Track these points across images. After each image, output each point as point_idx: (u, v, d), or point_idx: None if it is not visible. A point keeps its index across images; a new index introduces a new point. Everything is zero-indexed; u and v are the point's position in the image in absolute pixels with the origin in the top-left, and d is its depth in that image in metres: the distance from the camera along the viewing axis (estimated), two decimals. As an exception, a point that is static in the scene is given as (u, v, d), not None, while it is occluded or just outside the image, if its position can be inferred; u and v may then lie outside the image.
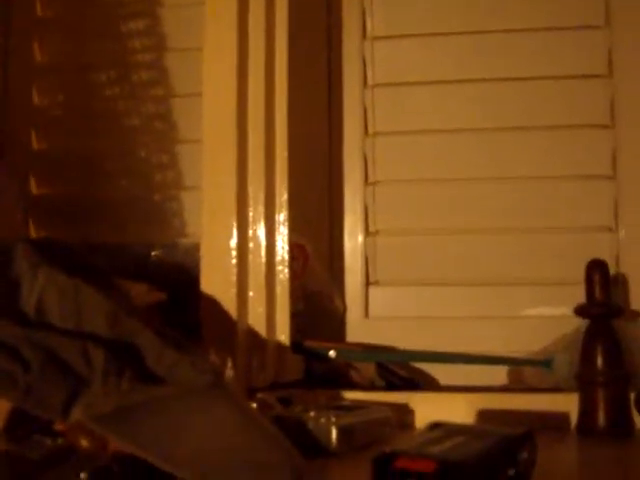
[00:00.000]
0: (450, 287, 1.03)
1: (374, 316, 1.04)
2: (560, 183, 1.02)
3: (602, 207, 1.01)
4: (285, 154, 0.89)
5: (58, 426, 0.58)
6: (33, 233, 1.10)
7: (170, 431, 0.54)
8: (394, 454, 0.51)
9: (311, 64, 1.07)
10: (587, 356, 0.78)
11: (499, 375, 0.96)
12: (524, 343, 0.96)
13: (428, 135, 1.05)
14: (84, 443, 0.58)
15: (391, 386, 0.92)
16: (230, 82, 0.88)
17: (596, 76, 1.02)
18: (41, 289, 0.59)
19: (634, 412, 0.77)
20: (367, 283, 1.04)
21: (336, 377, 0.90)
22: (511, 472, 0.54)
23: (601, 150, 1.01)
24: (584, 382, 0.78)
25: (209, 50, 0.89)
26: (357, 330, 1.03)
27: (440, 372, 0.99)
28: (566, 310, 0.88)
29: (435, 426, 0.60)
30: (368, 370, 0.92)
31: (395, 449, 0.51)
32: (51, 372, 0.55)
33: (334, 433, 0.67)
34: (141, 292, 0.82)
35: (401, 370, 0.94)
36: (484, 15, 1.05)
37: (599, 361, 0.76)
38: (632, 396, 0.77)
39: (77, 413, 0.55)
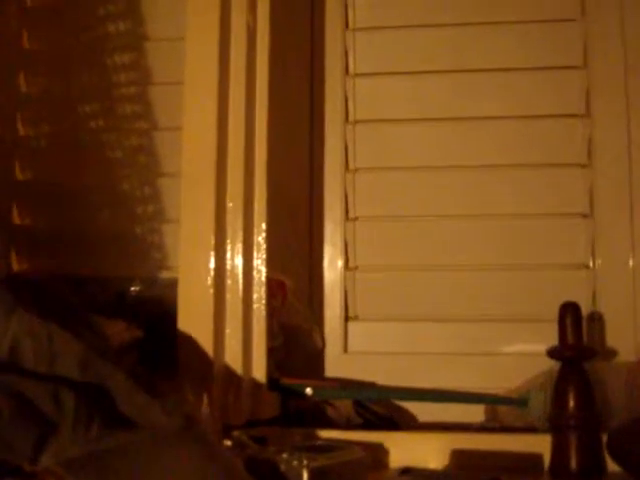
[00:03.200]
0: (429, 323, 1.03)
1: (353, 351, 1.05)
2: (538, 221, 1.03)
3: (579, 245, 1.02)
4: (264, 189, 0.89)
5: (28, 468, 0.59)
6: (14, 264, 1.10)
7: (137, 476, 0.55)
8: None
9: (293, 100, 1.08)
10: (559, 398, 0.78)
11: (476, 412, 0.96)
12: (501, 380, 0.96)
13: (408, 172, 1.06)
14: (54, 486, 0.58)
15: (368, 423, 0.92)
16: (210, 116, 0.88)
17: (573, 116, 1.04)
18: (14, 334, 0.59)
19: (606, 455, 0.77)
20: (346, 318, 1.05)
21: (313, 414, 0.90)
22: (477, 520, 0.55)
23: (578, 188, 1.03)
24: (556, 424, 0.78)
25: (189, 84, 0.89)
26: (336, 365, 1.04)
27: (418, 409, 0.99)
28: (543, 348, 0.89)
29: (405, 471, 0.60)
30: (345, 407, 0.92)
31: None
32: (21, 417, 0.55)
33: (305, 476, 0.67)
34: (118, 331, 0.82)
35: (379, 408, 0.94)
36: (465, 53, 1.07)
37: (571, 404, 0.77)
38: (604, 438, 0.78)
39: (46, 459, 0.55)
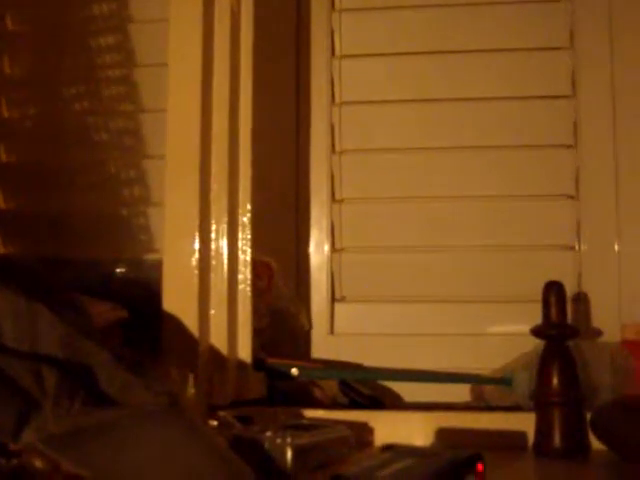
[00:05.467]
0: (415, 304, 1.04)
1: (339, 332, 1.05)
2: (523, 202, 1.03)
3: (564, 226, 1.02)
4: (249, 171, 0.89)
5: (13, 446, 0.59)
6: (0, 247, 1.10)
7: (120, 453, 0.55)
8: (339, 478, 0.51)
9: (278, 81, 1.08)
10: (543, 377, 0.78)
11: (461, 391, 0.97)
12: (486, 360, 0.97)
13: (394, 153, 1.06)
14: (38, 464, 0.58)
15: (354, 404, 0.92)
16: (194, 98, 0.87)
17: (559, 97, 1.04)
18: (-4, 311, 0.59)
19: (590, 432, 0.78)
20: (333, 300, 1.05)
21: (299, 395, 0.90)
22: (458, 495, 0.55)
23: (564, 169, 1.03)
24: (540, 402, 0.79)
25: (173, 66, 0.89)
26: (322, 346, 1.04)
27: (403, 389, 1.00)
28: (528, 328, 0.89)
29: (387, 448, 0.60)
30: (331, 388, 0.92)
31: (342, 473, 0.52)
32: (2, 394, 0.55)
33: (289, 454, 0.67)
34: (103, 310, 0.82)
35: (364, 387, 0.95)
36: (451, 36, 1.06)
37: (554, 382, 0.77)
38: (588, 416, 0.78)
39: (28, 435, 0.55)
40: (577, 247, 1.02)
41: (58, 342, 0.60)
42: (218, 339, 0.85)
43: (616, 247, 1.00)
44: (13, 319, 0.60)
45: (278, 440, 0.68)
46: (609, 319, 0.99)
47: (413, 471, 0.54)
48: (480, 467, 0.57)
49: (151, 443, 0.56)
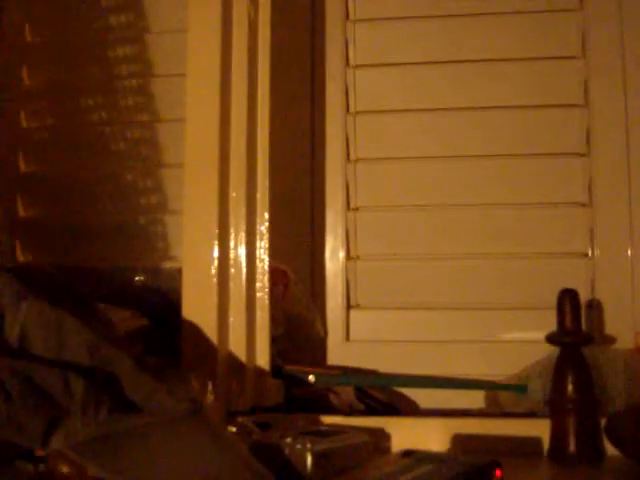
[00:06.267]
0: (429, 311, 1.04)
1: (355, 339, 1.06)
2: (537, 210, 1.04)
3: (578, 233, 1.03)
4: (267, 180, 0.90)
5: (39, 452, 0.60)
6: (19, 256, 1.11)
7: (146, 459, 0.56)
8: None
9: (294, 91, 1.09)
10: (558, 383, 0.79)
11: (477, 398, 0.98)
12: (501, 367, 0.97)
13: (409, 162, 1.07)
14: (64, 470, 0.59)
15: (370, 410, 0.93)
16: (212, 108, 0.89)
17: (572, 105, 1.05)
18: (24, 320, 0.61)
19: (604, 438, 0.79)
20: (348, 307, 1.06)
21: (316, 401, 0.91)
22: (477, 500, 0.56)
23: (577, 177, 1.04)
24: (555, 409, 0.79)
25: (192, 76, 0.90)
26: (338, 353, 1.05)
27: (419, 395, 1.01)
28: (542, 335, 0.90)
29: (406, 454, 0.61)
30: (347, 394, 0.93)
31: (362, 479, 0.53)
32: (32, 401, 0.57)
33: (309, 459, 0.68)
34: (124, 318, 0.83)
35: (380, 394, 0.95)
36: (464, 45, 1.07)
37: (569, 388, 0.78)
38: (603, 422, 0.79)
39: (56, 442, 0.56)
40: (590, 254, 1.02)
41: (84, 350, 0.61)
42: (237, 346, 0.86)
43: (629, 253, 1.01)
44: (40, 327, 0.61)
45: (298, 446, 0.69)
46: (623, 326, 0.99)
47: (433, 477, 0.54)
48: (499, 473, 0.58)
49: (176, 449, 0.58)
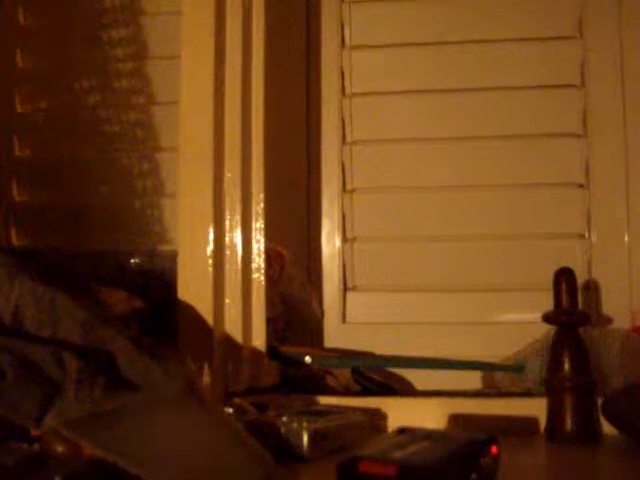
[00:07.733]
0: (426, 293, 1.05)
1: (351, 321, 1.06)
2: (534, 191, 1.04)
3: (574, 214, 1.03)
4: (262, 161, 0.90)
5: (34, 432, 0.60)
6: (15, 239, 1.11)
7: (140, 436, 0.56)
8: (358, 459, 0.52)
9: (289, 73, 1.09)
10: (554, 362, 0.79)
11: (473, 379, 0.98)
12: (497, 348, 0.97)
13: (405, 144, 1.07)
14: (59, 449, 0.59)
15: (366, 391, 0.93)
16: (206, 89, 0.88)
17: (569, 86, 1.04)
18: (17, 298, 0.60)
19: (601, 417, 0.79)
20: (344, 289, 1.06)
21: (312, 382, 0.91)
22: (473, 476, 0.56)
23: (574, 159, 1.03)
24: (552, 388, 0.79)
25: (186, 58, 0.90)
26: (334, 335, 1.05)
27: (415, 377, 1.01)
28: (539, 316, 0.90)
29: (402, 431, 0.61)
30: (344, 375, 0.93)
31: (358, 454, 0.53)
32: (25, 379, 0.56)
33: (305, 438, 0.68)
34: (119, 300, 0.83)
35: (376, 375, 0.95)
36: (461, 26, 1.07)
37: (566, 367, 0.78)
38: (599, 402, 0.79)
39: (50, 420, 0.56)
40: (587, 235, 1.02)
41: (79, 327, 0.61)
42: (233, 328, 0.86)
43: (626, 234, 1.01)
44: (34, 306, 0.61)
45: (294, 424, 0.69)
46: (619, 307, 0.99)
47: (429, 452, 0.54)
48: (495, 449, 0.58)
49: (171, 427, 0.58)
